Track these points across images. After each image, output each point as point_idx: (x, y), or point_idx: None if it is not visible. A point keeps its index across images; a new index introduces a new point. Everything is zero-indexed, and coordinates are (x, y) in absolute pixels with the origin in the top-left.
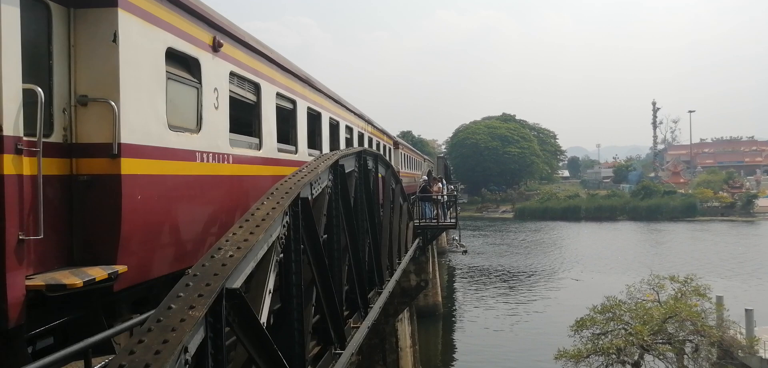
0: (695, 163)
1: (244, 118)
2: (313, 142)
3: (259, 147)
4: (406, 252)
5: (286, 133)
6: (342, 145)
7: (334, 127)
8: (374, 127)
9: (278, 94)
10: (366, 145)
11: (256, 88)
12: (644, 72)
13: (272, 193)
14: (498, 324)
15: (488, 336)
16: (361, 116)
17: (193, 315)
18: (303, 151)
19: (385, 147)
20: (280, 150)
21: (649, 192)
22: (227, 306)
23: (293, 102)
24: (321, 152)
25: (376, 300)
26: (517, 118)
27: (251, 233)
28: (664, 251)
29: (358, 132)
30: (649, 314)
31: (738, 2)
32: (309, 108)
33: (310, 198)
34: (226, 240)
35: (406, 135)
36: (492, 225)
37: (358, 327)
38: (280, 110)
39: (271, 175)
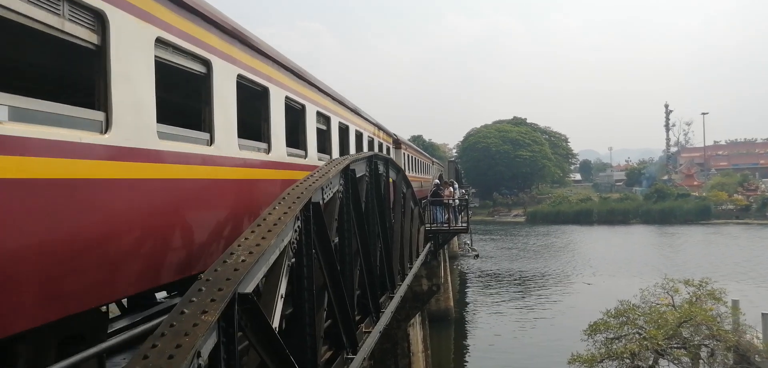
0: (709, 166)
1: (68, 73)
2: (256, 131)
3: (105, 129)
4: (417, 256)
5: (194, 115)
6: (312, 139)
7: (297, 112)
8: (365, 118)
9: (161, 42)
10: (353, 141)
11: (100, 22)
12: (657, 71)
13: (284, 198)
14: (510, 328)
15: (500, 341)
16: (342, 102)
17: (205, 319)
18: (227, 145)
19: (382, 145)
20: (164, 136)
21: (662, 196)
22: (239, 311)
23: (206, 63)
24: (269, 148)
25: (388, 305)
26: (528, 121)
27: (263, 238)
28: (678, 254)
29: (340, 123)
30: (663, 318)
31: (753, 6)
32: (241, 77)
33: (321, 202)
34: (238, 245)
35: (417, 139)
36: (503, 229)
37: (370, 332)
38: (170, 72)
39: (128, 179)
